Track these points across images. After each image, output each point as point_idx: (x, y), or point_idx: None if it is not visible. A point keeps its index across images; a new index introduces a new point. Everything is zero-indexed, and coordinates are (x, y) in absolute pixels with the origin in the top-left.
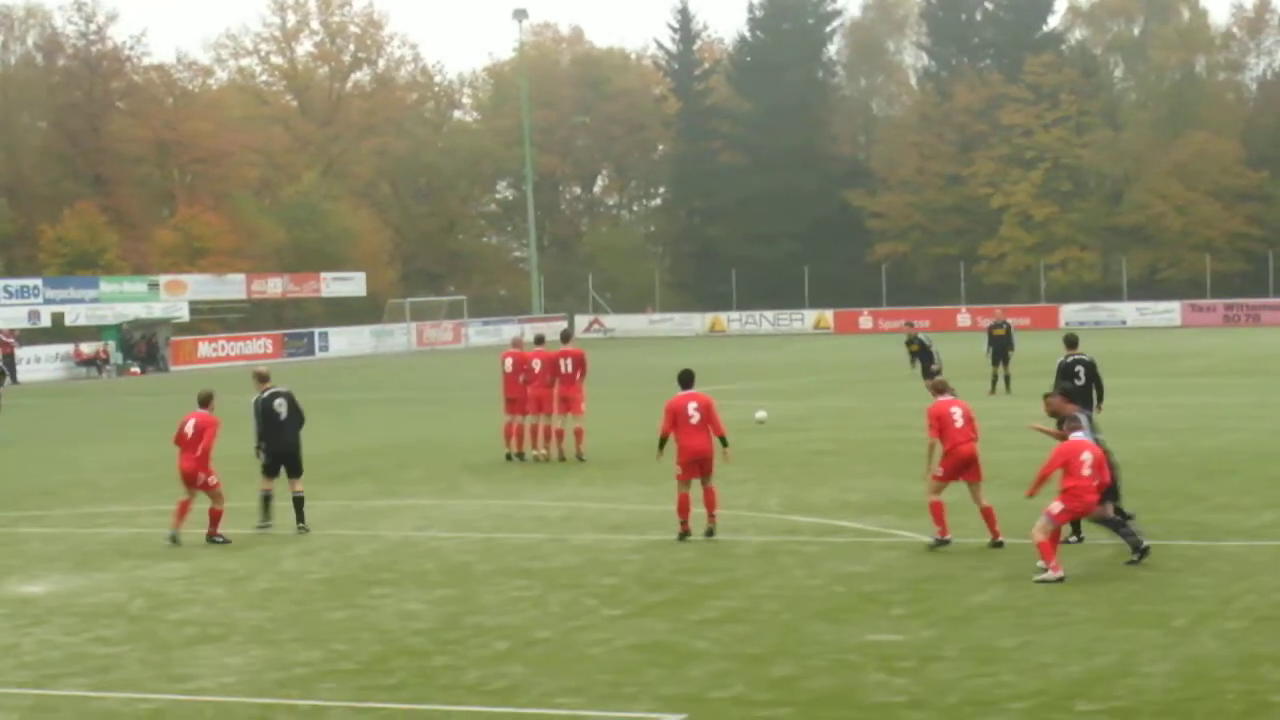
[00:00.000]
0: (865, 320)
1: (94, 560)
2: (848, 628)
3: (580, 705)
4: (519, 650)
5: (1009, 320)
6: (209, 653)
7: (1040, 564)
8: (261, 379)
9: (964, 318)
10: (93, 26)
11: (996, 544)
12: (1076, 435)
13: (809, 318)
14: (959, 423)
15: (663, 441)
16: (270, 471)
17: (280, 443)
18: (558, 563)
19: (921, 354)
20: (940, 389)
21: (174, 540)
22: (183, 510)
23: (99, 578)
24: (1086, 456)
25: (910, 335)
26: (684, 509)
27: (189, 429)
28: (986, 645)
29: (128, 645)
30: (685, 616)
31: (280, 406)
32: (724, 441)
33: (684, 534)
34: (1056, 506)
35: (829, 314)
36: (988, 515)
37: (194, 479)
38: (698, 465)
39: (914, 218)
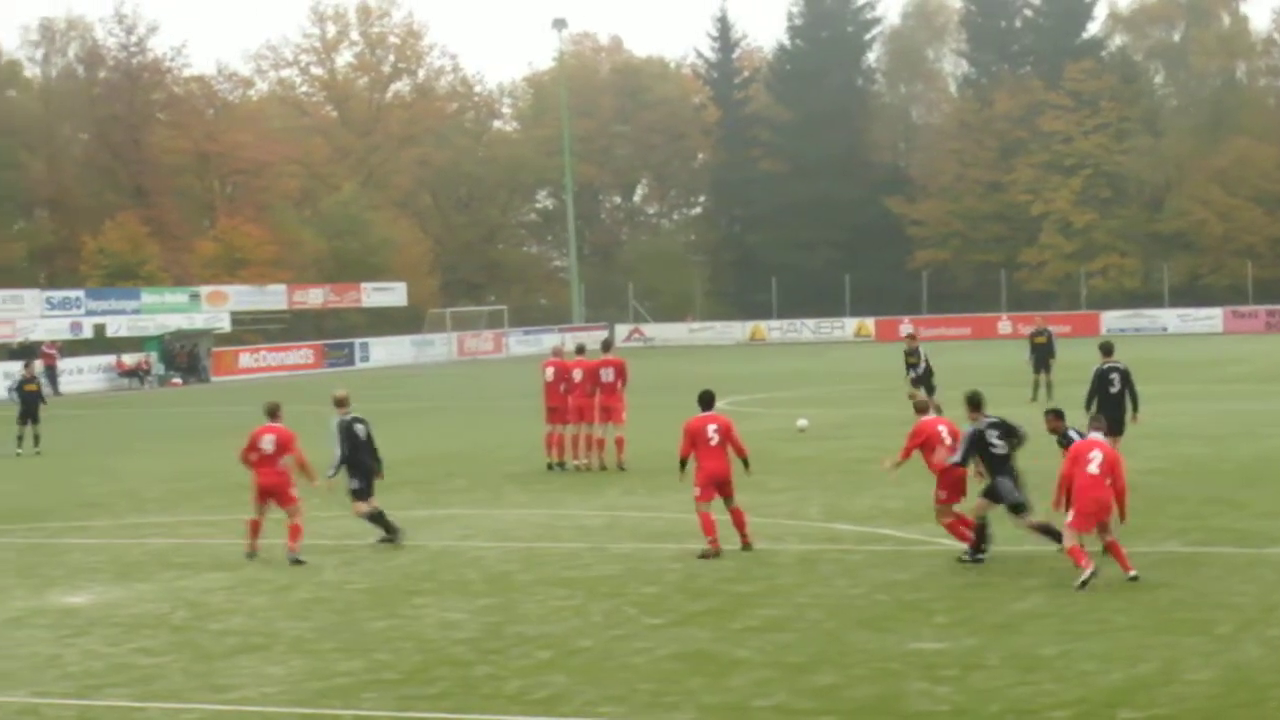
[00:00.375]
0: (906, 328)
1: (136, 571)
2: (890, 636)
3: (622, 714)
4: (561, 659)
5: (1050, 328)
6: (251, 663)
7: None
8: (340, 403)
9: (1005, 325)
10: (134, 38)
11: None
12: (1092, 435)
13: (850, 325)
14: (948, 440)
15: (683, 463)
16: (363, 495)
17: (364, 465)
18: (599, 572)
19: (918, 366)
20: (923, 408)
21: (252, 558)
22: (255, 529)
23: (141, 588)
24: (1094, 455)
25: (911, 347)
26: (709, 527)
27: (267, 444)
28: (1028, 653)
29: (170, 655)
30: (727, 625)
31: (361, 430)
32: (745, 463)
33: (714, 552)
34: (1070, 515)
35: (870, 322)
36: (958, 526)
37: (275, 494)
38: (716, 486)
39: (954, 225)
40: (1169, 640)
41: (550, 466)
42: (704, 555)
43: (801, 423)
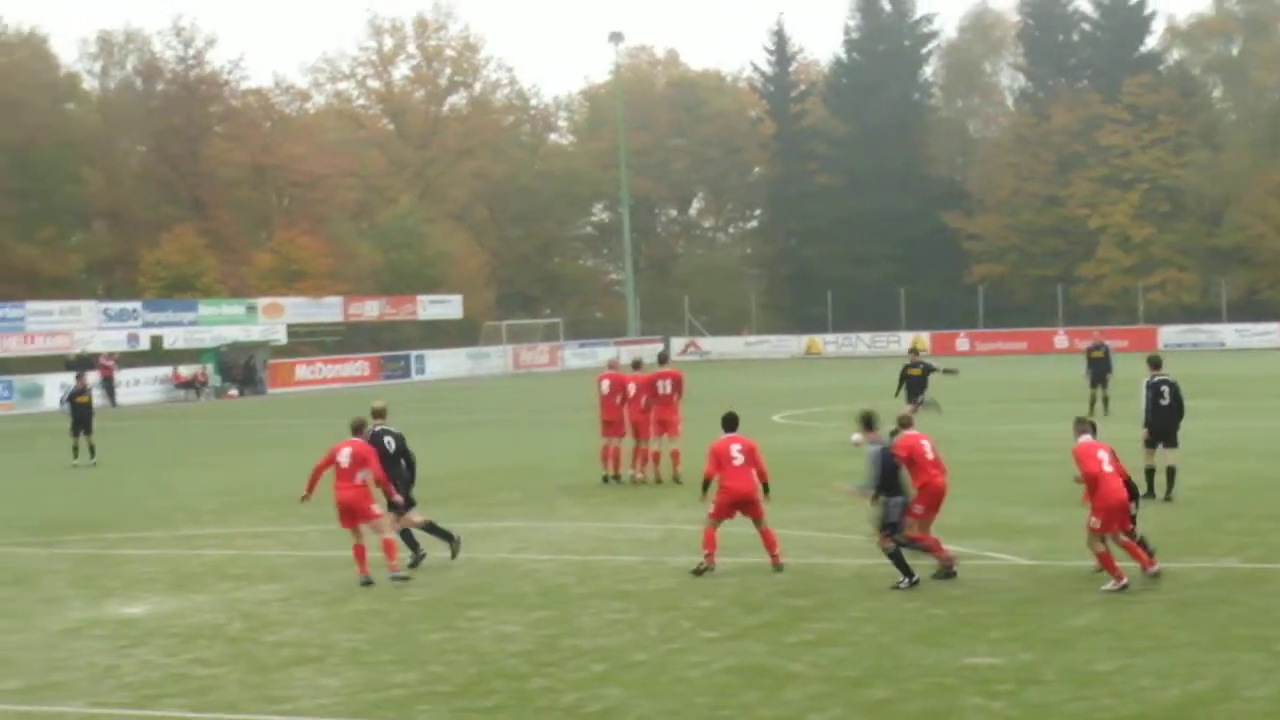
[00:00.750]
0: (962, 342)
1: (192, 582)
2: (945, 651)
3: None
4: (616, 673)
5: (1107, 343)
6: (306, 674)
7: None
8: (378, 414)
9: (1062, 339)
10: (191, 51)
11: (948, 573)
12: (1084, 438)
13: (906, 340)
14: (930, 455)
15: (706, 483)
16: (400, 508)
17: (400, 477)
18: (654, 585)
19: (919, 381)
20: (907, 423)
21: (367, 584)
22: (360, 554)
23: (197, 599)
24: (1101, 455)
25: (914, 360)
26: (710, 542)
27: (344, 458)
28: (1085, 669)
29: (226, 666)
30: (782, 639)
31: (389, 443)
32: (766, 488)
33: (708, 566)
34: (1093, 520)
35: (926, 336)
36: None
37: (354, 510)
38: (738, 506)
39: (1011, 239)
40: (1227, 657)
41: (606, 479)
42: (698, 570)
43: (856, 437)
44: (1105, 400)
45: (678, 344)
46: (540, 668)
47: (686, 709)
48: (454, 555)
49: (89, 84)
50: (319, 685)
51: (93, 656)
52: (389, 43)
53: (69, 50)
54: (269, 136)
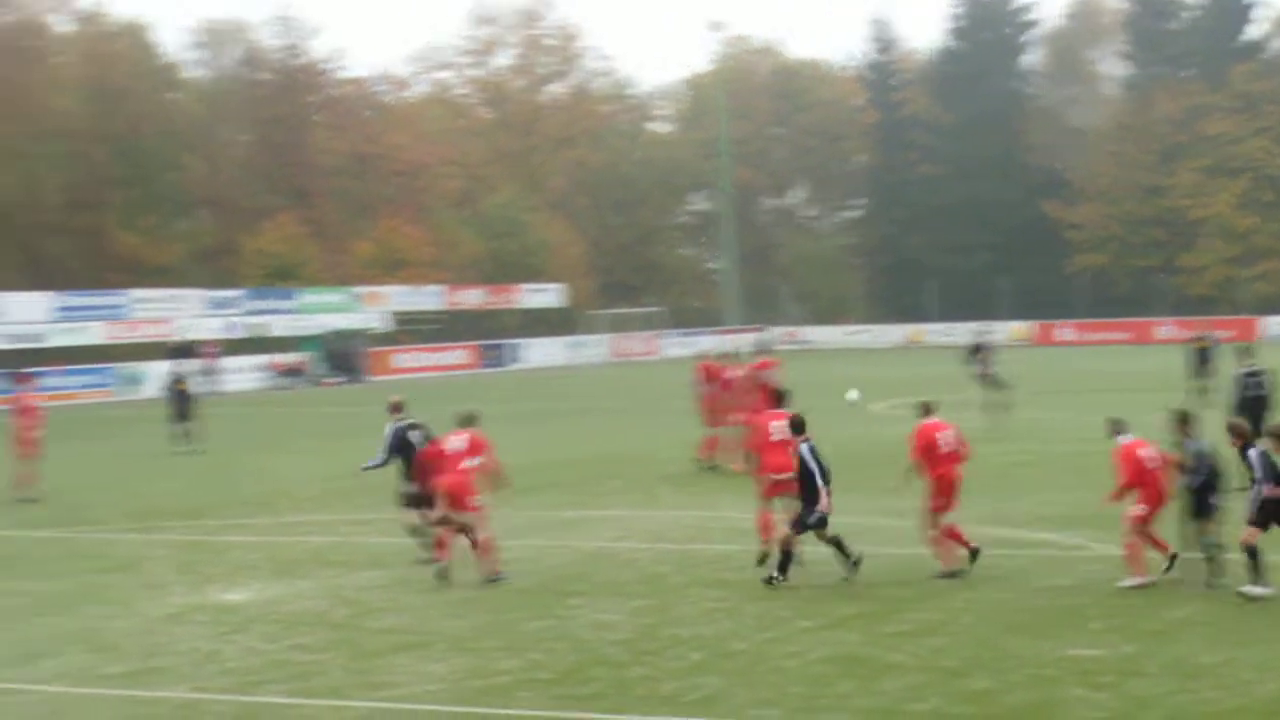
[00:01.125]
0: (1064, 332)
1: (294, 568)
2: (1046, 642)
3: (776, 717)
4: (714, 661)
5: (1213, 334)
6: (408, 660)
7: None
8: (395, 408)
9: (1165, 330)
10: (294, 41)
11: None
12: (1124, 438)
13: (1007, 329)
14: (944, 447)
15: (748, 457)
16: (416, 502)
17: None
18: (753, 574)
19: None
20: (929, 410)
21: (443, 575)
22: (445, 542)
23: (299, 585)
24: (1143, 453)
25: (977, 344)
26: (765, 528)
27: (457, 445)
28: (1187, 661)
29: (329, 652)
30: (879, 629)
31: (416, 437)
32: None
33: (767, 555)
34: (1140, 508)
35: (1027, 325)
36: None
37: (456, 498)
38: (779, 484)
39: (1112, 229)
40: None
41: (705, 468)
42: (761, 561)
43: (853, 395)
44: (1208, 393)
45: (778, 333)
46: (639, 656)
47: (783, 698)
48: (424, 562)
49: (192, 73)
50: (421, 672)
51: (195, 642)
52: (490, 32)
53: (173, 40)
54: (371, 125)
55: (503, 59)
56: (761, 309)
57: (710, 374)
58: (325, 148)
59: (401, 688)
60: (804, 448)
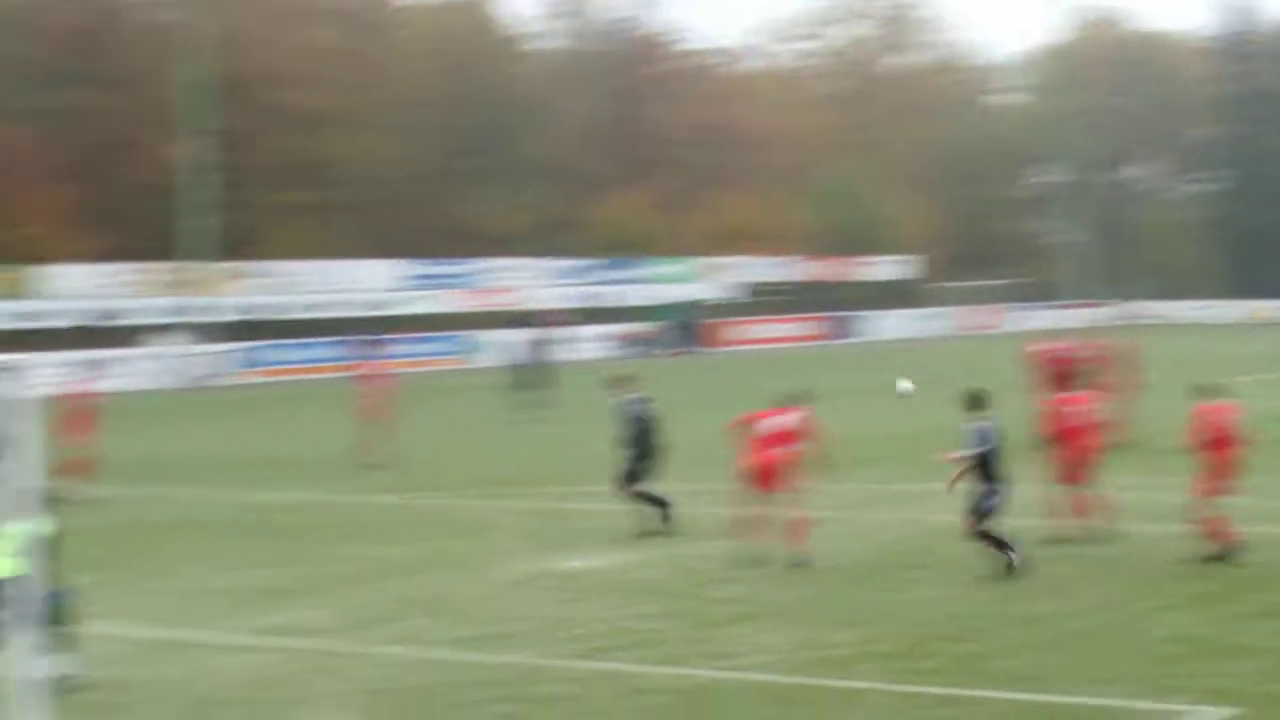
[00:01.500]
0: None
1: (635, 537)
2: None
3: (1118, 695)
4: (1054, 640)
5: None
6: (747, 631)
7: None
8: (620, 383)
9: None
10: (637, 12)
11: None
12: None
13: None
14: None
15: (1045, 442)
16: (635, 478)
17: (651, 447)
18: (1092, 552)
19: None
20: (1211, 392)
21: (801, 565)
22: (798, 528)
23: (640, 554)
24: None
25: None
26: (1080, 510)
27: (786, 423)
28: None
29: (670, 621)
30: (1225, 609)
31: (640, 414)
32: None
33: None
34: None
35: None
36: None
37: (773, 476)
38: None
39: None
40: None
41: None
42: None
43: (904, 385)
44: None
45: (1127, 308)
46: (977, 633)
47: (1124, 677)
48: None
49: (534, 45)
50: (759, 642)
51: (541, 608)
52: (831, 3)
53: (515, 11)
54: (711, 97)
55: (845, 30)
56: (1109, 283)
57: (1050, 350)
58: (665, 119)
59: (740, 658)
60: (984, 425)
